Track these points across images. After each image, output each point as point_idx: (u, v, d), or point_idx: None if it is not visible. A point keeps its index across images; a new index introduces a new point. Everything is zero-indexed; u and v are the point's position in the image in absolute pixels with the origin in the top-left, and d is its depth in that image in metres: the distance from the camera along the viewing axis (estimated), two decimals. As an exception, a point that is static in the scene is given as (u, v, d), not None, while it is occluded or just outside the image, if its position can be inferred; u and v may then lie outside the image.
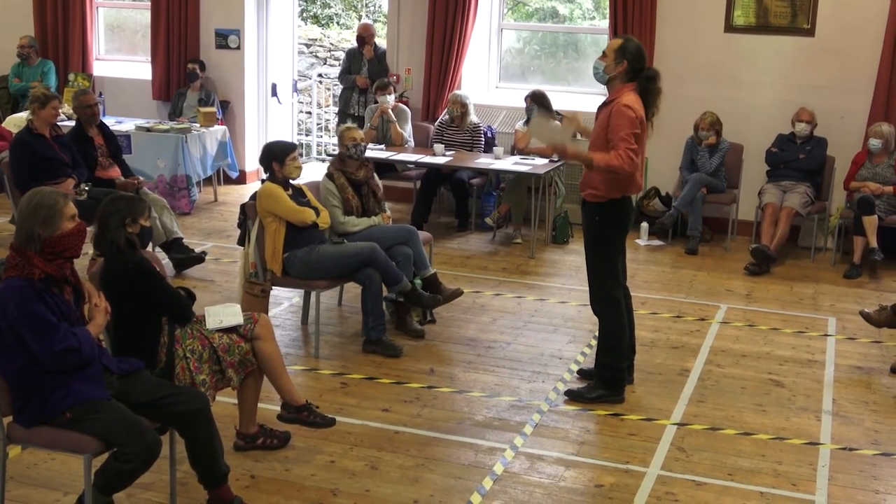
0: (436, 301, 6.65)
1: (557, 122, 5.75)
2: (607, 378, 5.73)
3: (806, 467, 5.02)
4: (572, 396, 5.75)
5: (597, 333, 5.87)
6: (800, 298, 7.85)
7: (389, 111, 9.76)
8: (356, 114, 10.59)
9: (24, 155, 7.58)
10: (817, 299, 7.88)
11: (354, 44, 11.03)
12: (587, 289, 7.63)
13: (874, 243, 8.43)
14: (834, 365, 6.46)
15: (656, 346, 6.69)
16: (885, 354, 6.66)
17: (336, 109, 11.84)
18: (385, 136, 9.85)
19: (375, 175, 7.05)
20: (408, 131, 9.91)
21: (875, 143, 8.70)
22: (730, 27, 9.61)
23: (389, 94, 9.81)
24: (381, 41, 11.25)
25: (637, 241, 9.47)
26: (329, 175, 6.79)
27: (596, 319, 5.85)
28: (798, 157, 9.07)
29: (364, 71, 10.58)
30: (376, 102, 9.93)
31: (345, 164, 6.81)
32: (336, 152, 7.06)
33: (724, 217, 9.59)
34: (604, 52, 5.49)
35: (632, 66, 5.40)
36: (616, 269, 5.71)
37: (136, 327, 4.49)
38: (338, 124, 10.70)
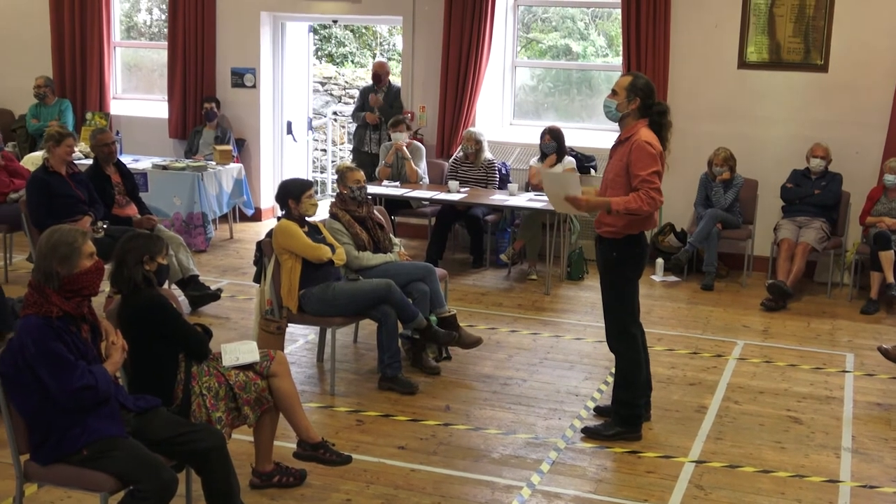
0: (451, 338, 6.63)
1: (562, 172, 5.76)
2: (624, 415, 5.69)
3: (826, 505, 4.98)
4: (589, 434, 5.72)
5: (613, 370, 5.84)
6: (817, 334, 7.81)
7: (404, 148, 9.80)
8: (370, 151, 10.65)
9: (41, 193, 7.63)
10: (835, 335, 7.84)
11: (369, 82, 11.11)
12: (603, 325, 7.61)
13: (891, 278, 8.40)
14: (853, 401, 6.41)
15: (673, 383, 6.65)
16: (905, 391, 6.61)
17: (351, 147, 11.93)
18: (400, 174, 9.89)
19: (374, 209, 7.07)
20: (423, 168, 9.95)
21: (891, 178, 8.69)
22: (743, 63, 9.64)
23: (402, 131, 9.86)
24: (395, 79, 11.32)
25: (653, 276, 9.45)
26: (333, 215, 6.81)
27: (612, 356, 5.82)
28: (813, 192, 9.06)
29: (376, 108, 10.65)
30: (390, 140, 9.98)
31: (346, 203, 6.83)
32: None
33: (739, 253, 9.56)
34: (613, 90, 5.47)
35: (643, 102, 5.40)
36: (632, 305, 5.69)
37: (153, 364, 4.49)
38: (352, 160, 10.78)
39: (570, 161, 9.55)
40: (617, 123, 5.56)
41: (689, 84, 9.77)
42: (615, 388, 5.75)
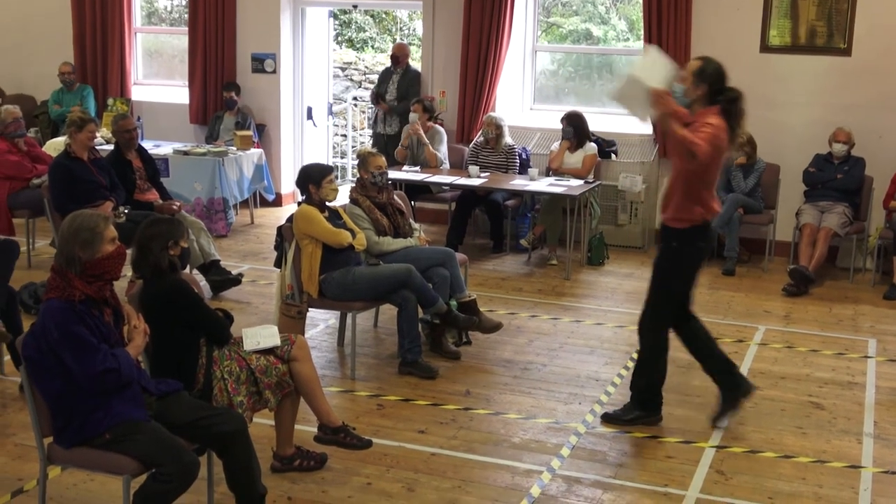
0: (471, 322, 6.64)
1: (671, 65, 5.19)
2: (643, 399, 5.68)
3: (847, 491, 4.96)
4: (608, 419, 5.71)
5: (636, 354, 5.82)
6: (839, 320, 7.77)
7: (420, 132, 9.77)
8: (383, 132, 10.69)
9: (63, 178, 7.67)
10: (857, 320, 7.79)
11: (389, 64, 11.11)
12: (623, 310, 7.61)
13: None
14: (875, 387, 6.38)
15: (694, 368, 6.61)
16: (928, 377, 6.58)
17: (370, 132, 11.95)
18: (417, 157, 9.89)
19: (395, 194, 7.07)
20: (443, 152, 9.94)
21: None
22: (765, 47, 9.57)
23: (416, 111, 9.86)
24: (416, 64, 11.30)
25: (673, 262, 9.41)
26: (353, 200, 6.81)
27: (633, 341, 5.81)
28: (836, 177, 9.00)
29: (392, 90, 10.66)
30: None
31: (366, 189, 6.82)
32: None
33: (761, 238, 9.52)
34: (682, 75, 5.24)
35: (711, 88, 5.18)
36: (674, 299, 5.55)
37: (174, 349, 4.52)
38: (372, 145, 10.80)
39: (592, 146, 9.52)
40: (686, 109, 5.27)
41: (710, 68, 9.70)
42: (634, 373, 5.73)
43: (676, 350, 6.88)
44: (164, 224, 4.64)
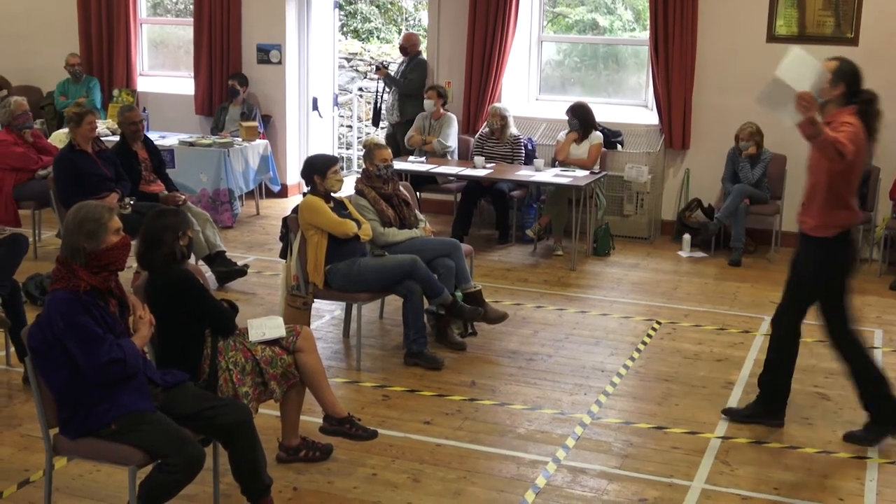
0: (477, 313, 6.63)
1: (817, 64, 5.02)
2: (769, 400, 5.55)
3: (853, 481, 4.95)
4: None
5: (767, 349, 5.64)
6: (845, 310, 7.75)
7: (435, 143, 9.85)
8: (394, 119, 10.80)
9: (67, 172, 7.67)
10: (863, 311, 7.76)
11: (395, 57, 11.11)
12: (628, 300, 7.60)
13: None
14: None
15: (700, 359, 6.63)
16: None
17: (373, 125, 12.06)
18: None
19: (401, 185, 7.07)
20: (453, 139, 9.97)
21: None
22: (772, 37, 9.54)
23: (430, 97, 9.90)
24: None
25: (679, 252, 9.41)
26: (359, 191, 6.80)
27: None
28: (842, 167, 8.96)
29: (399, 75, 10.71)
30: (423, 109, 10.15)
31: (372, 180, 6.82)
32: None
33: (767, 228, 9.50)
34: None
35: (849, 88, 5.06)
36: (805, 311, 5.41)
37: (179, 339, 4.52)
38: (387, 135, 10.90)
39: (598, 136, 9.50)
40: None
41: (717, 58, 9.68)
42: (764, 371, 5.59)
43: (684, 341, 6.91)
44: (171, 215, 4.65)
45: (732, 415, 5.63)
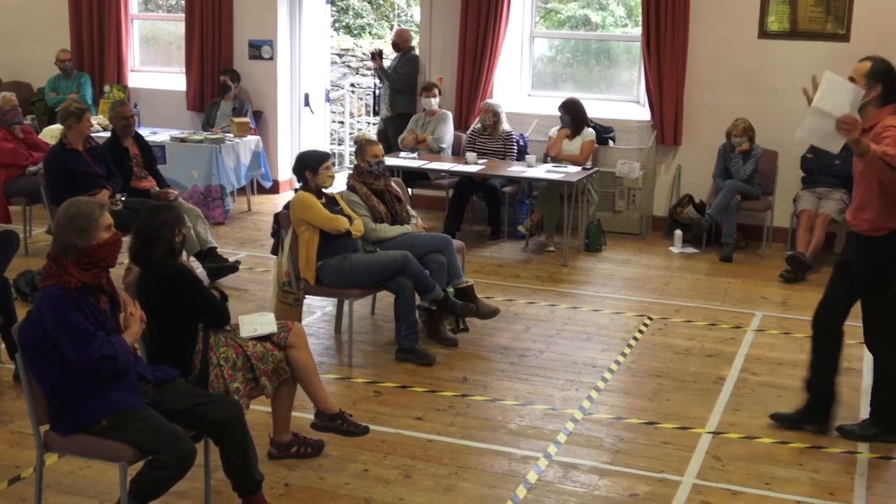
0: (468, 309, 6.64)
1: (851, 86, 4.91)
2: (886, 419, 5.40)
3: (844, 476, 4.97)
4: (844, 434, 5.40)
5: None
6: (836, 306, 7.77)
7: (430, 141, 9.85)
8: (384, 114, 10.83)
9: (58, 170, 7.65)
10: (854, 307, 7.78)
11: (387, 53, 11.12)
12: (620, 296, 7.62)
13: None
14: (871, 373, 6.37)
15: (691, 354, 6.65)
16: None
17: (368, 119, 12.02)
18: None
19: (392, 181, 7.07)
20: (448, 136, 10.00)
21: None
22: (764, 33, 9.55)
23: (433, 96, 9.92)
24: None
25: (671, 248, 9.43)
26: (350, 187, 6.80)
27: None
28: (833, 163, 8.97)
29: (391, 70, 10.71)
30: (424, 110, 10.18)
31: (363, 176, 6.82)
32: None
33: (758, 224, 9.51)
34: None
35: (886, 88, 4.98)
36: (893, 304, 5.24)
37: (172, 335, 4.52)
38: (378, 131, 10.91)
39: (590, 133, 9.51)
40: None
41: (708, 54, 9.70)
42: (874, 390, 5.47)
43: (675, 337, 6.93)
44: (168, 211, 4.66)
45: (847, 434, 5.42)
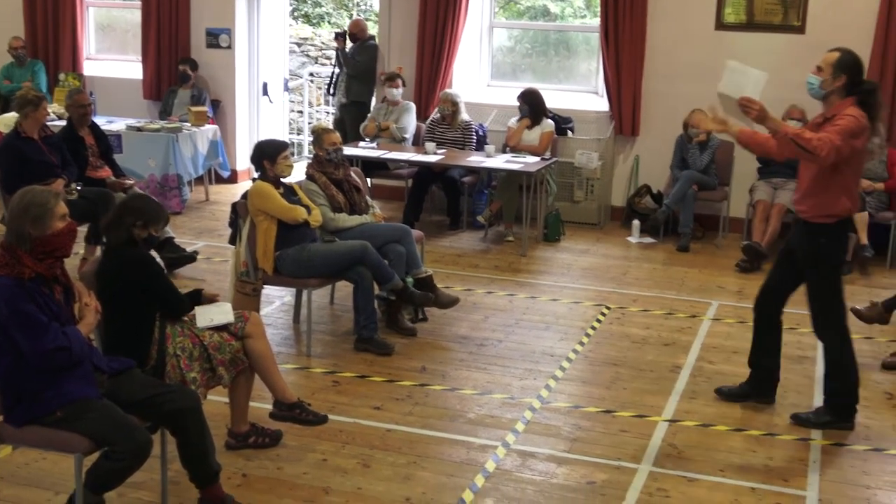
0: (427, 299, 6.64)
1: (755, 71, 5.20)
2: (838, 406, 5.47)
3: (797, 463, 5.04)
4: (799, 422, 5.48)
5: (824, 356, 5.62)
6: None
7: (393, 129, 9.83)
8: (339, 101, 10.84)
9: (13, 159, 7.53)
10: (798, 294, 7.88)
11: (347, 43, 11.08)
12: (578, 286, 7.66)
13: (865, 240, 8.45)
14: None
15: (648, 343, 6.70)
16: (876, 350, 6.68)
17: (327, 109, 11.96)
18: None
19: (352, 171, 7.06)
20: (412, 126, 10.03)
21: (873, 140, 8.69)
22: (720, 25, 9.64)
23: (397, 87, 9.91)
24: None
25: (628, 238, 9.49)
26: (309, 176, 6.78)
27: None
28: (789, 154, 9.08)
29: (351, 62, 10.68)
30: (384, 100, 10.13)
31: (322, 165, 6.80)
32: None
33: (715, 214, 9.60)
34: (818, 67, 5.15)
35: (851, 79, 5.09)
36: (839, 290, 5.35)
37: (129, 324, 4.47)
38: (335, 120, 10.87)
39: (549, 123, 9.54)
40: (821, 101, 5.22)
41: (666, 45, 9.76)
42: (826, 376, 5.55)
43: (632, 326, 6.98)
44: (143, 202, 4.64)
45: (801, 422, 5.49)
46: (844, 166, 5.09)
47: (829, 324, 5.39)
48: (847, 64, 5.11)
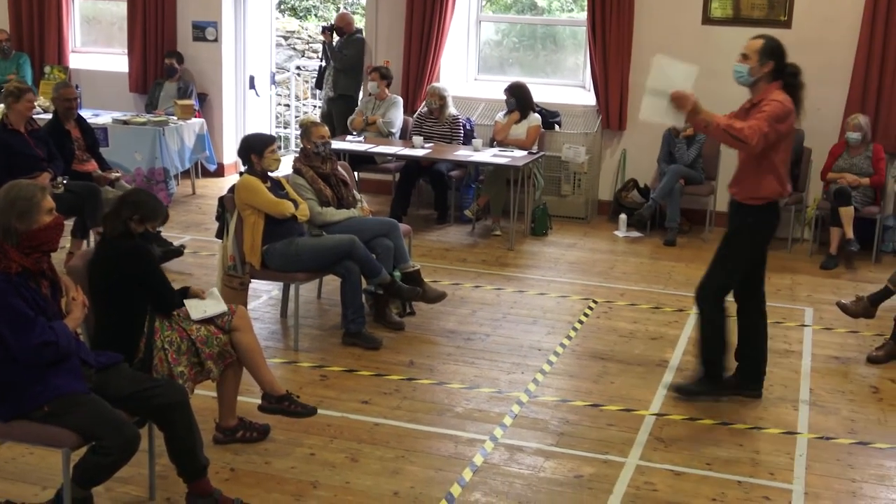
0: (415, 293, 6.64)
1: (683, 66, 5.33)
2: (710, 374, 5.61)
3: (783, 456, 5.06)
4: (676, 389, 5.68)
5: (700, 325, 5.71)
6: (777, 289, 7.88)
7: (380, 124, 9.81)
8: (326, 94, 10.81)
9: (0, 151, 7.51)
10: (794, 290, 7.93)
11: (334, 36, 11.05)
12: (565, 280, 7.66)
13: (850, 234, 8.49)
14: (811, 355, 6.50)
15: (635, 337, 6.71)
16: (862, 344, 6.71)
17: (314, 103, 11.92)
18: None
19: (339, 165, 7.05)
20: (399, 121, 10.01)
21: (853, 136, 8.74)
22: (707, 19, 9.65)
23: (373, 80, 9.88)
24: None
25: (616, 232, 9.51)
26: (297, 170, 6.77)
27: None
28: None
29: (339, 56, 10.66)
30: (370, 94, 10.11)
31: (310, 159, 6.79)
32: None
33: (702, 208, 9.63)
34: (743, 55, 5.27)
35: (777, 65, 5.24)
36: (738, 275, 5.53)
37: (119, 316, 4.45)
38: (322, 114, 10.84)
39: (536, 117, 9.55)
40: (749, 88, 5.36)
41: (653, 40, 9.76)
42: (699, 346, 5.68)
43: (620, 320, 6.99)
44: (144, 198, 4.61)
45: (680, 389, 5.71)
46: (771, 151, 5.24)
47: (713, 294, 5.53)
48: (772, 49, 5.27)
